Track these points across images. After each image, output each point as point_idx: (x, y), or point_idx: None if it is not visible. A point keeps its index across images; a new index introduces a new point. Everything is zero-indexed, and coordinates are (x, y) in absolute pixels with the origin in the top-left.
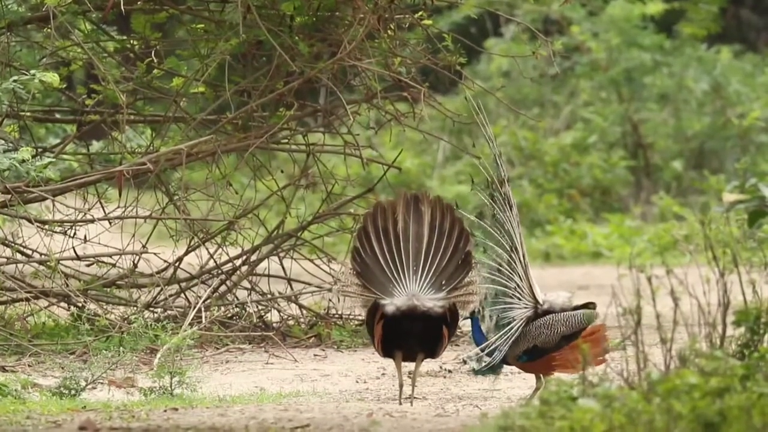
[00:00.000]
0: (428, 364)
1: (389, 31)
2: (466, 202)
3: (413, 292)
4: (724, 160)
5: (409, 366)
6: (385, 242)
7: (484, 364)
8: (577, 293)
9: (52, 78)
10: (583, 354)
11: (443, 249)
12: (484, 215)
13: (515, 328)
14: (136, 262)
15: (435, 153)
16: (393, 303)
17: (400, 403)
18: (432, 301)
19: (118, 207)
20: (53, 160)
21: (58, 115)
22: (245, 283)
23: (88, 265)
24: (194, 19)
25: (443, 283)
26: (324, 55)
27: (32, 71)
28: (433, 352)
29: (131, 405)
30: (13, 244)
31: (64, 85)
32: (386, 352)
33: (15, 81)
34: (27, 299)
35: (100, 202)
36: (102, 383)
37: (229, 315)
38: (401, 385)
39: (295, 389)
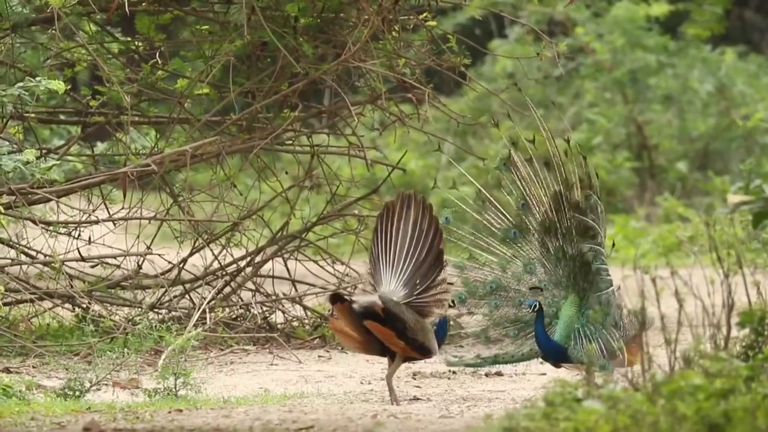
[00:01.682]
0: (434, 365)
1: (393, 33)
2: (468, 204)
3: (385, 290)
4: (728, 162)
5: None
6: (383, 242)
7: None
8: None
9: (58, 86)
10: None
11: (420, 247)
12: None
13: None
14: (140, 263)
15: (439, 154)
16: (357, 301)
17: (391, 404)
18: (386, 298)
19: (123, 208)
20: (58, 162)
21: (62, 117)
22: (250, 285)
23: (93, 267)
24: (199, 20)
25: (417, 282)
26: (328, 57)
27: (38, 77)
28: (392, 353)
29: (135, 406)
30: (17, 246)
31: (69, 87)
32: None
33: (21, 87)
34: (31, 300)
35: (105, 204)
36: (106, 384)
37: (234, 316)
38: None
39: (299, 390)
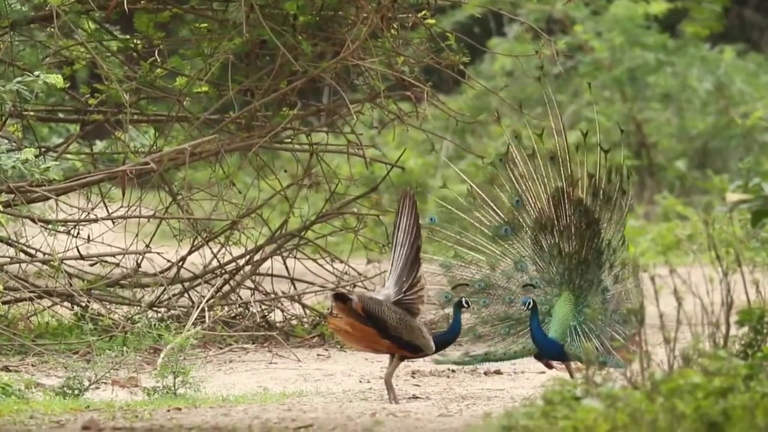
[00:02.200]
0: (432, 364)
1: (392, 31)
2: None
3: (381, 288)
4: (727, 160)
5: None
6: (391, 240)
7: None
8: None
9: (56, 80)
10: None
11: (407, 244)
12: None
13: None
14: (139, 261)
15: (438, 152)
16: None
17: (390, 402)
18: (366, 297)
19: (122, 206)
20: (56, 160)
21: (61, 115)
22: (249, 283)
23: (92, 265)
24: (197, 18)
25: (404, 279)
26: (327, 55)
27: (36, 72)
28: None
29: (134, 405)
30: (16, 244)
31: (68, 85)
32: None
33: (19, 82)
34: (30, 299)
35: (104, 202)
36: (105, 383)
37: (233, 315)
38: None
39: (298, 389)
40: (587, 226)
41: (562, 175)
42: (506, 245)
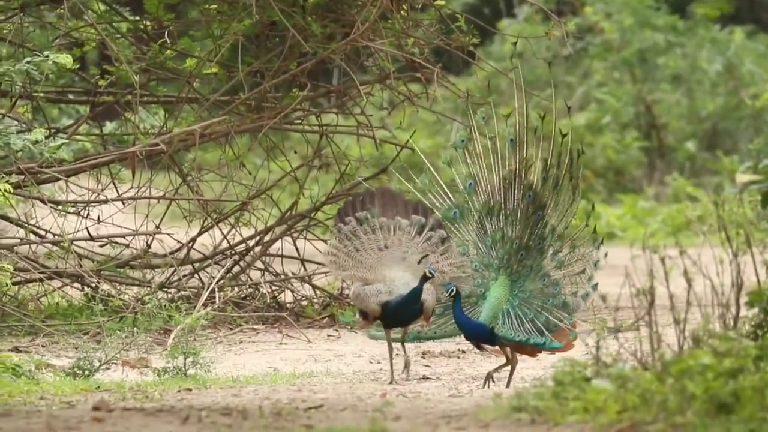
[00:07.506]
0: (443, 345)
1: (402, 12)
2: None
3: None
4: (737, 141)
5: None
6: None
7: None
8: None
9: (66, 60)
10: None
11: None
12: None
13: None
14: (149, 242)
15: (448, 134)
16: None
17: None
18: None
19: (132, 188)
20: (66, 141)
21: (71, 96)
22: (259, 264)
23: (102, 246)
24: None
25: None
26: (337, 36)
27: (46, 52)
28: None
29: (145, 385)
30: (26, 225)
31: (77, 66)
32: None
33: (29, 62)
34: (40, 280)
35: (114, 183)
36: (116, 364)
37: (243, 295)
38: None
39: (308, 370)
40: (533, 212)
41: (517, 158)
42: (454, 229)
